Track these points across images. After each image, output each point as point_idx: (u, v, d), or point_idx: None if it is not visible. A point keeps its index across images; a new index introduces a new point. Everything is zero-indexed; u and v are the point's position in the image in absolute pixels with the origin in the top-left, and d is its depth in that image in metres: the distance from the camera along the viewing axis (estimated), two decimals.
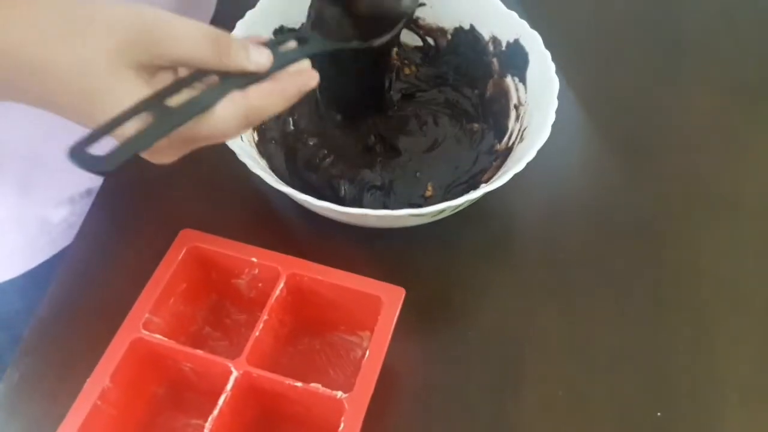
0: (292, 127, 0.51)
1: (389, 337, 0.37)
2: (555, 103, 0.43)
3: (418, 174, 0.49)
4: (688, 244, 0.48)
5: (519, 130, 0.47)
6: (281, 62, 0.34)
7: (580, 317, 0.44)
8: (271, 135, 0.49)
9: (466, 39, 0.52)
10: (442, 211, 0.40)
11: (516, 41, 0.48)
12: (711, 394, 0.41)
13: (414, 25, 0.53)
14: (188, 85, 0.31)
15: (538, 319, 0.44)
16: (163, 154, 0.32)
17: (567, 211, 0.49)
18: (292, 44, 0.36)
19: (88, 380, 0.36)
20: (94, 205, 0.50)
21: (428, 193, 0.48)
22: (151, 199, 0.50)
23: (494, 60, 0.51)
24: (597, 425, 0.40)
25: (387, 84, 0.53)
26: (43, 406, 0.40)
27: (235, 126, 0.32)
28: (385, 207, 0.47)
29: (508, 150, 0.47)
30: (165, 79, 0.31)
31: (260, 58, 0.33)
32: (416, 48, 0.54)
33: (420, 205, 0.41)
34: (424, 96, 0.54)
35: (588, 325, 0.44)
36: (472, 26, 0.51)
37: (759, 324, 0.44)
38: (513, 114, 0.49)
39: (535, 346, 0.43)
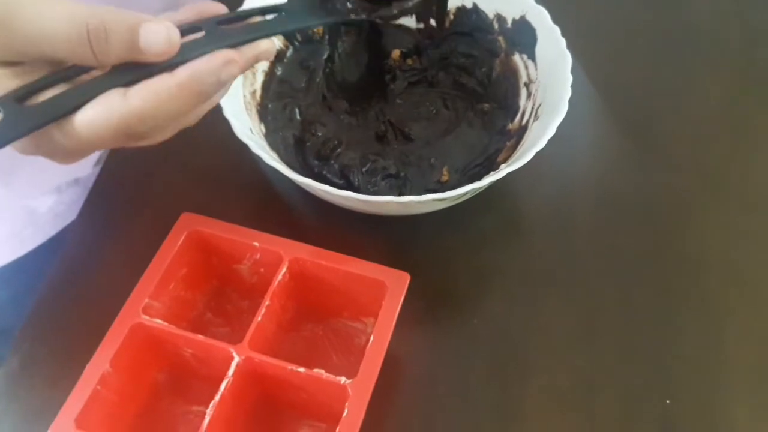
0: (299, 118, 0.50)
1: (393, 323, 0.37)
2: (569, 78, 0.42)
3: (432, 160, 0.48)
4: (697, 232, 0.47)
5: (532, 107, 0.46)
6: (217, 44, 0.27)
7: (587, 306, 0.43)
8: (279, 126, 0.48)
9: (470, 18, 0.50)
10: (465, 194, 0.39)
11: (522, 18, 0.47)
12: (719, 383, 0.40)
13: None
14: (68, 79, 0.25)
15: (544, 307, 0.43)
16: (54, 157, 0.27)
17: (574, 198, 0.48)
18: (255, 19, 0.30)
19: (88, 365, 0.35)
20: (93, 188, 0.49)
21: (444, 178, 0.47)
22: (151, 183, 0.49)
23: (500, 38, 0.49)
24: (603, 415, 0.39)
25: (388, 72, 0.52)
26: (43, 391, 0.39)
27: (109, 137, 0.25)
28: (401, 194, 0.46)
29: (523, 129, 0.46)
30: (42, 68, 0.25)
31: (156, 44, 0.25)
32: (414, 32, 0.52)
33: (436, 191, 0.39)
34: (431, 80, 0.52)
35: (595, 315, 0.43)
36: (474, 5, 0.50)
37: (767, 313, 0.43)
38: (524, 92, 0.48)
39: (541, 334, 0.42)
